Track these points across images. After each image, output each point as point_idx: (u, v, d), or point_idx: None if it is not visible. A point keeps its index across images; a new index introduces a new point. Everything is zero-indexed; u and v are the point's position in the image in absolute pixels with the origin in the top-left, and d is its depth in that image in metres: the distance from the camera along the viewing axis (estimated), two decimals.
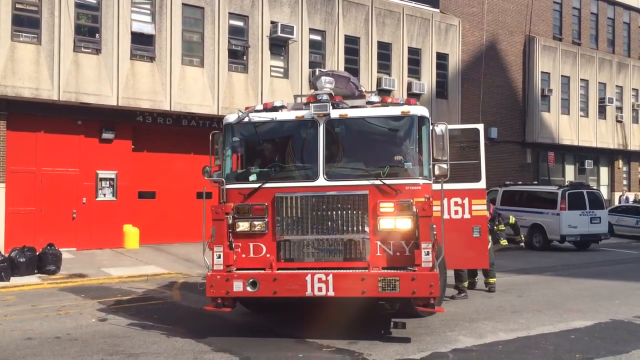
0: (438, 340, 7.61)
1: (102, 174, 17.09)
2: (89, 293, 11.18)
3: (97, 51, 16.24)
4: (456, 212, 9.41)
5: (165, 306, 10.14)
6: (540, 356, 6.97)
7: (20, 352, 7.15)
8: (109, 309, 9.71)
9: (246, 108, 8.32)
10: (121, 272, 13.45)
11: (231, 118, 8.21)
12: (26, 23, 15.48)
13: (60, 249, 13.45)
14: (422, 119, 7.89)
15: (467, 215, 9.42)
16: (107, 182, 17.20)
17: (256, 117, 8.06)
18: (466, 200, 9.41)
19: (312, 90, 8.73)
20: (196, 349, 7.24)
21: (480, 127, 9.77)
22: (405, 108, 7.86)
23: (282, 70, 19.68)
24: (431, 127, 7.93)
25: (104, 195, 17.15)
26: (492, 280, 11.34)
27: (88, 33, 16.31)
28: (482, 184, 9.55)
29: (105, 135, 16.99)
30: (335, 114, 7.79)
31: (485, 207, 9.70)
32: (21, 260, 12.48)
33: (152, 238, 17.74)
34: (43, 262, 12.80)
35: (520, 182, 23.35)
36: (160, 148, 18.21)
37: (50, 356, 6.97)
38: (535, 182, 26.54)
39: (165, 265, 14.54)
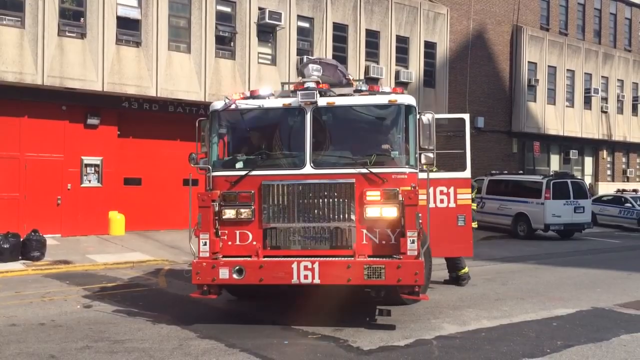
0: (422, 328, 7.69)
1: (87, 160, 16.94)
2: (74, 280, 11.13)
3: (82, 35, 16.01)
4: (442, 201, 9.48)
5: (151, 293, 10.13)
6: (522, 343, 7.07)
7: (4, 338, 7.11)
8: (94, 296, 9.68)
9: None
10: (106, 258, 13.39)
11: (218, 105, 8.16)
12: (9, 6, 15.20)
13: (44, 236, 13.35)
14: (409, 108, 7.90)
15: (452, 204, 9.49)
16: (92, 168, 17.05)
17: (243, 104, 8.03)
18: (451, 189, 9.48)
19: (300, 78, 8.70)
20: (182, 335, 7.25)
21: (466, 117, 9.82)
22: (393, 97, 7.86)
23: (269, 57, 19.56)
24: (418, 116, 7.94)
25: (89, 181, 17.00)
26: (464, 271, 10.80)
27: (73, 17, 16.06)
28: (467, 174, 9.62)
29: (90, 121, 16.81)
30: (322, 101, 7.77)
31: (470, 196, 9.77)
32: (5, 246, 12.38)
33: (138, 225, 17.65)
34: (27, 248, 12.70)
35: (505, 172, 23.52)
36: (146, 134, 18.06)
37: (34, 342, 6.94)
38: (521, 172, 26.71)
39: (151, 252, 14.49)
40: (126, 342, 6.95)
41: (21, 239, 12.82)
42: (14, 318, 8.13)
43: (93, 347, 6.74)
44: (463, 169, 9.62)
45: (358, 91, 8.27)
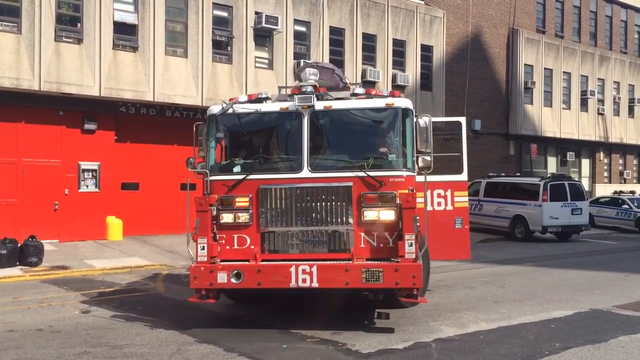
0: (421, 330, 7.69)
1: (85, 165, 16.93)
2: (72, 285, 11.11)
3: (79, 41, 16.03)
4: (439, 204, 9.50)
5: (149, 298, 10.11)
6: (520, 345, 7.07)
7: (2, 344, 7.09)
8: (92, 301, 9.66)
9: (230, 99, 8.28)
10: (104, 263, 13.37)
11: (215, 109, 8.17)
12: (6, 12, 15.21)
13: (42, 241, 13.32)
14: (406, 111, 7.92)
15: (449, 207, 9.51)
16: (90, 174, 17.04)
17: (240, 108, 8.03)
18: (449, 192, 9.50)
19: (297, 82, 8.72)
20: (180, 340, 7.24)
21: (463, 120, 9.86)
22: (390, 100, 7.88)
23: (266, 61, 19.59)
24: (415, 119, 7.96)
25: (87, 186, 16.99)
26: None
27: (69, 22, 16.08)
28: (464, 176, 9.65)
29: (87, 126, 16.81)
30: (319, 105, 7.79)
31: (467, 198, 9.80)
32: (2, 252, 12.35)
33: (135, 229, 17.64)
34: (25, 254, 12.68)
35: (503, 174, 23.59)
36: (143, 139, 18.06)
37: (32, 348, 6.92)
38: (518, 174, 26.81)
39: (149, 256, 14.47)
40: (124, 348, 6.94)
41: (18, 245, 12.79)
42: (12, 324, 8.11)
43: (91, 353, 6.73)
44: (460, 171, 9.65)
45: (355, 95, 8.29)
